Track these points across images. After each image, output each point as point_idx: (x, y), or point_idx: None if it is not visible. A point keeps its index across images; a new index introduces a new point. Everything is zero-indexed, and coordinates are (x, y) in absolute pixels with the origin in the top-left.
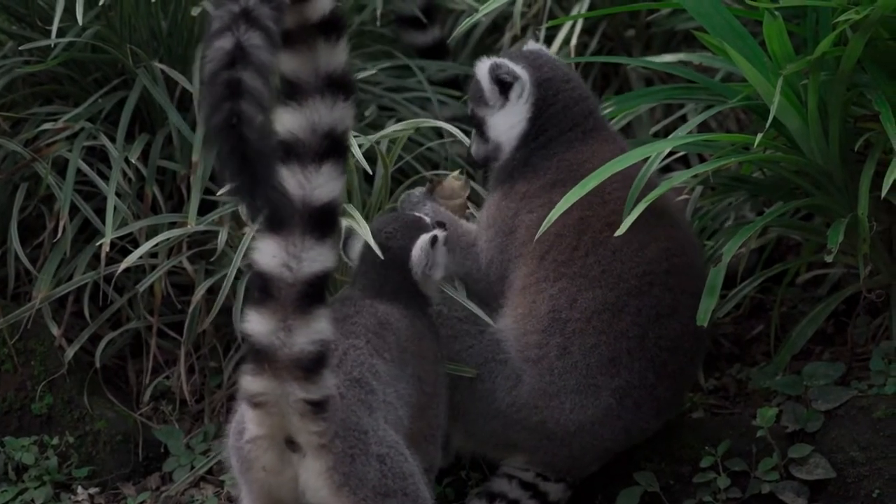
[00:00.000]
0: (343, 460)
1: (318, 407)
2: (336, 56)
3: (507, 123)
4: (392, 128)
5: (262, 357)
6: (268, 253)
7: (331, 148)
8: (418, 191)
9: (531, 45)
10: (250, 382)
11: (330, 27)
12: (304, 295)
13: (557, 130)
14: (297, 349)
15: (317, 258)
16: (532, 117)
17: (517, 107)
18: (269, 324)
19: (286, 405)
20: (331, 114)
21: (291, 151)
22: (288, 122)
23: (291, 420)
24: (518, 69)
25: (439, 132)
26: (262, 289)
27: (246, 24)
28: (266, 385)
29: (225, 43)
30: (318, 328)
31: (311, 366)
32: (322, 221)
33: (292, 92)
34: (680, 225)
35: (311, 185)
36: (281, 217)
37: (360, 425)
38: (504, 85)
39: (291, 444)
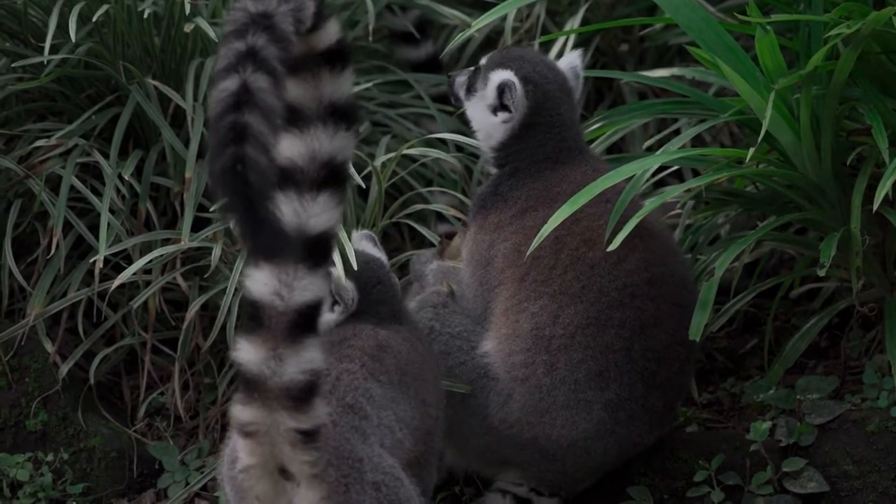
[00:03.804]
0: (337, 489)
1: (308, 436)
2: (341, 86)
3: (482, 123)
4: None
5: (252, 386)
6: (260, 281)
7: (329, 177)
8: (428, 251)
9: (568, 59)
10: (241, 411)
11: (336, 57)
12: (295, 324)
13: (527, 162)
14: (288, 378)
15: (309, 287)
16: (503, 142)
17: (497, 122)
18: (260, 352)
19: (277, 434)
20: (332, 143)
21: (289, 178)
22: (288, 148)
23: (283, 449)
24: (519, 100)
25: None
26: (253, 317)
27: (252, 64)
28: (256, 414)
29: (230, 84)
30: (308, 357)
31: (302, 395)
32: (316, 251)
33: (294, 119)
34: (658, 235)
35: (307, 213)
36: (275, 247)
37: (354, 453)
38: (503, 105)
39: (284, 472)
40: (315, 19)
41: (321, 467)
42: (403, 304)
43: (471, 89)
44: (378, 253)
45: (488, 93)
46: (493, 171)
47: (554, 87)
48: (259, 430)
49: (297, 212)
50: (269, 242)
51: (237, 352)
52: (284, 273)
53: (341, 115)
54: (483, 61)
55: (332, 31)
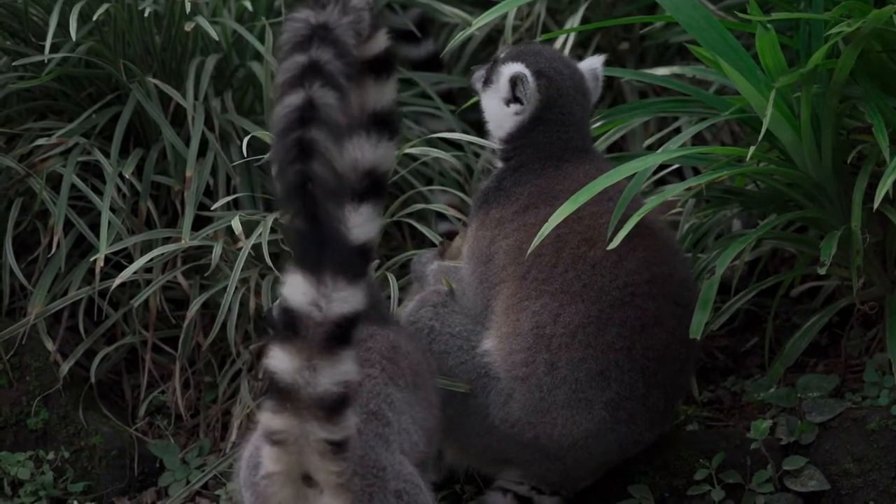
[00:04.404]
0: (361, 499)
1: (338, 447)
2: (384, 95)
3: (495, 114)
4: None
5: (284, 395)
6: (298, 289)
7: (371, 188)
8: (429, 252)
9: (590, 61)
10: (271, 419)
11: (381, 66)
12: (332, 336)
13: (532, 158)
14: (322, 389)
15: (348, 299)
16: (513, 133)
17: (509, 113)
18: (294, 362)
19: (306, 444)
20: (374, 152)
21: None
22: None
23: (311, 459)
24: (531, 93)
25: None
26: (288, 325)
27: (317, 79)
28: (287, 423)
29: (295, 99)
30: (343, 370)
31: (334, 406)
32: (356, 262)
33: None
34: (659, 233)
35: (349, 224)
36: (343, 264)
37: (379, 462)
38: (515, 97)
39: (308, 480)
40: (370, 30)
41: (347, 477)
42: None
43: (487, 81)
44: None
45: (501, 85)
46: (499, 164)
47: (569, 84)
48: (288, 438)
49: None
50: (339, 259)
51: (270, 359)
52: (324, 283)
53: (384, 124)
54: (500, 54)
55: (381, 41)
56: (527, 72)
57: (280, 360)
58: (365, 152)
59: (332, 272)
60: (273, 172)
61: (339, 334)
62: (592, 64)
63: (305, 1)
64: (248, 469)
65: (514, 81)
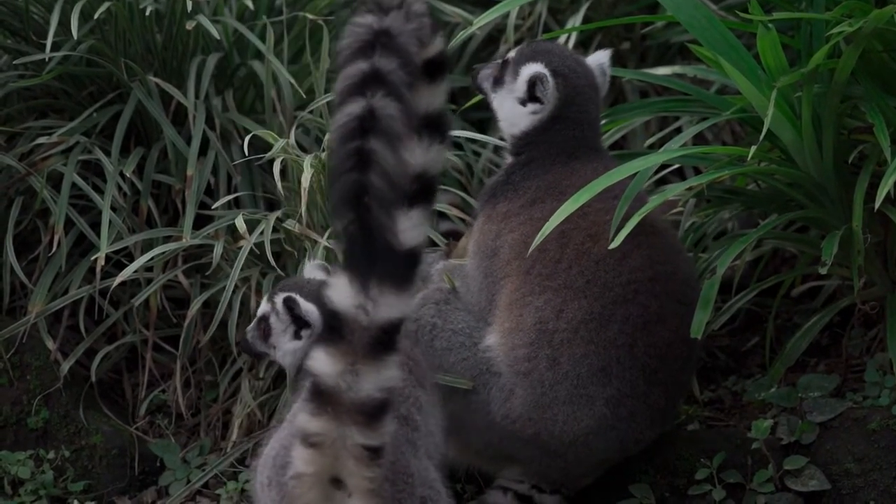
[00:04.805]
0: None
1: (374, 453)
2: (436, 97)
3: (509, 113)
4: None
5: (325, 398)
6: (344, 292)
7: (421, 191)
8: (434, 253)
9: (597, 57)
10: (309, 422)
11: (435, 68)
12: (378, 341)
13: (543, 153)
14: (364, 394)
15: (395, 304)
16: (527, 131)
17: (525, 112)
18: (338, 365)
19: (342, 448)
20: (425, 155)
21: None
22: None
23: (346, 463)
24: (551, 93)
25: None
26: (332, 328)
27: (379, 87)
28: (325, 426)
29: (355, 108)
30: (387, 375)
31: (375, 412)
32: (404, 268)
33: None
34: (663, 232)
35: (399, 229)
36: (395, 275)
37: (408, 468)
38: (533, 97)
39: (337, 482)
40: (430, 36)
41: (378, 482)
42: None
43: (498, 81)
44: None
45: (518, 85)
46: (509, 159)
47: (583, 82)
48: (325, 441)
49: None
50: (389, 266)
51: (313, 361)
52: (372, 288)
53: (435, 126)
54: (511, 54)
55: (437, 44)
56: (546, 72)
57: (323, 363)
58: (416, 155)
59: (381, 278)
60: (330, 178)
61: (385, 340)
62: (599, 59)
63: (367, 4)
64: (274, 468)
65: (534, 82)
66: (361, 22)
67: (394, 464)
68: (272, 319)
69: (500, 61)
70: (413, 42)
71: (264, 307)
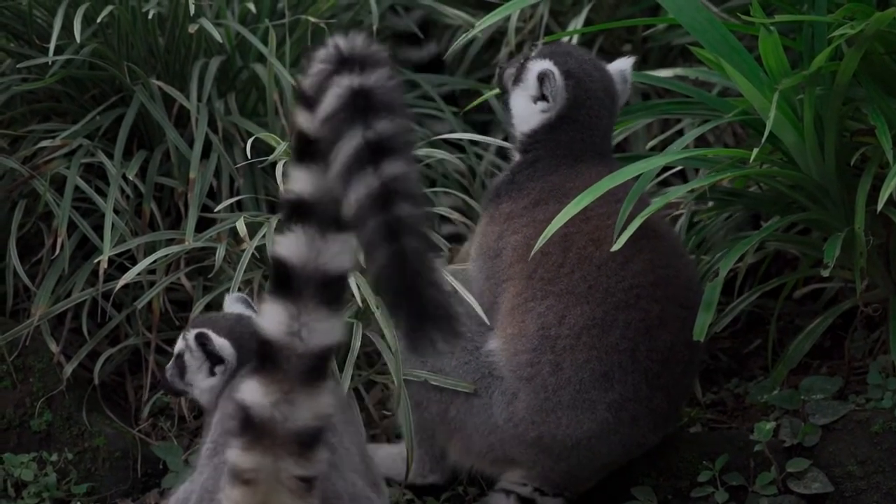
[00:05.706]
0: None
1: (309, 483)
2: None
3: (521, 110)
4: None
5: (258, 430)
6: (274, 319)
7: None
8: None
9: (619, 63)
10: (240, 457)
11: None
12: (314, 368)
13: (549, 154)
14: (301, 423)
15: (330, 330)
16: (536, 129)
17: (536, 110)
18: (272, 395)
19: (276, 482)
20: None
21: (305, 213)
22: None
23: (280, 498)
24: (559, 92)
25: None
26: (265, 357)
27: (382, 154)
28: (259, 461)
29: (372, 181)
30: (324, 402)
31: (310, 441)
32: (334, 292)
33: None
34: (664, 236)
35: (327, 254)
36: (450, 334)
37: (337, 491)
38: (542, 95)
39: None
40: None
41: None
42: None
43: (517, 80)
44: (250, 312)
45: (529, 82)
46: (516, 157)
47: (598, 87)
48: (258, 477)
49: (316, 249)
50: (446, 330)
51: (244, 393)
52: (305, 313)
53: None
54: (532, 53)
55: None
56: (555, 69)
57: (256, 394)
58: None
59: (312, 301)
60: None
61: (320, 366)
62: (622, 66)
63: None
64: None
65: (542, 78)
66: (342, 83)
67: (324, 491)
68: (186, 357)
69: (522, 60)
70: (399, 96)
71: (180, 344)
